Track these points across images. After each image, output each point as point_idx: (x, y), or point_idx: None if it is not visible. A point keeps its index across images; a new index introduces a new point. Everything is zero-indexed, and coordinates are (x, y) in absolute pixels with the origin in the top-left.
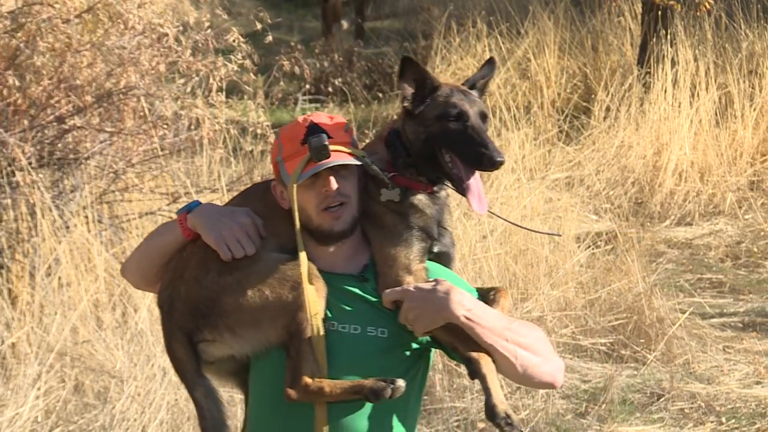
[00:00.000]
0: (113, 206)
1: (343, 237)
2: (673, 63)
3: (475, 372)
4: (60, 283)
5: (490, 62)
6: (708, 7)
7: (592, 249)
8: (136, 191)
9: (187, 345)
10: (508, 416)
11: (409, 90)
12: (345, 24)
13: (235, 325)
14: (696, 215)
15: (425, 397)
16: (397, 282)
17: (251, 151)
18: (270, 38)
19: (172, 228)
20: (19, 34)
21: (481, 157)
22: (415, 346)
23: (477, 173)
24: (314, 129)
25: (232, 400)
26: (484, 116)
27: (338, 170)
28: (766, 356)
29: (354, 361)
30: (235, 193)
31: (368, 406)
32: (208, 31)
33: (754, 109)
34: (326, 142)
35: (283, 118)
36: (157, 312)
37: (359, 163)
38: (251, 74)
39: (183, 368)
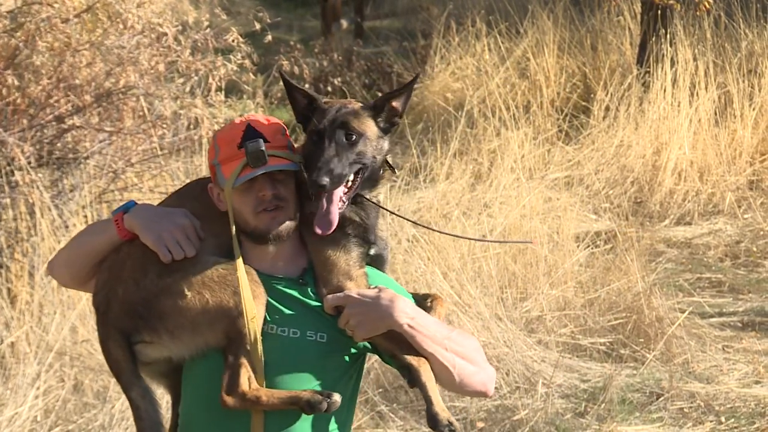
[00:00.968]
0: (112, 206)
1: (279, 238)
2: (673, 62)
3: (414, 380)
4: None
5: (410, 81)
6: (707, 6)
7: (592, 248)
8: (136, 191)
9: (123, 346)
10: (450, 423)
11: (296, 106)
12: (344, 23)
13: (174, 328)
14: (695, 215)
15: None
16: (338, 288)
17: None
18: (269, 38)
19: (106, 228)
20: (19, 34)
21: (309, 177)
22: (353, 351)
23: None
24: (251, 133)
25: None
26: (347, 134)
27: (275, 174)
28: (765, 356)
29: (292, 365)
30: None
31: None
32: (208, 30)
33: (754, 109)
34: (263, 148)
35: (282, 117)
36: None
37: (295, 168)
38: (250, 74)
39: (119, 369)
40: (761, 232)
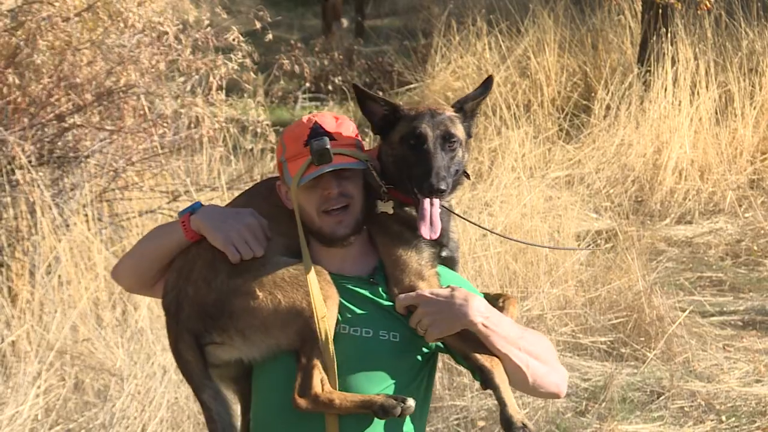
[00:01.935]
0: (113, 204)
1: (346, 240)
2: (674, 61)
3: (488, 381)
4: (60, 282)
5: (487, 82)
6: (708, 5)
7: (592, 247)
8: (136, 189)
9: (194, 347)
10: (524, 426)
11: (372, 116)
12: (345, 22)
13: (245, 329)
14: (696, 213)
15: None
16: (410, 287)
17: (251, 150)
18: (270, 37)
19: (173, 230)
20: (19, 33)
21: (423, 183)
22: (425, 351)
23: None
24: (317, 131)
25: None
26: (447, 139)
27: (341, 172)
28: (766, 354)
29: (365, 365)
30: (237, 192)
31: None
32: (208, 29)
33: (754, 108)
34: (328, 146)
35: (282, 116)
36: (157, 310)
37: (361, 167)
38: (251, 73)
39: (190, 370)
40: (762, 231)
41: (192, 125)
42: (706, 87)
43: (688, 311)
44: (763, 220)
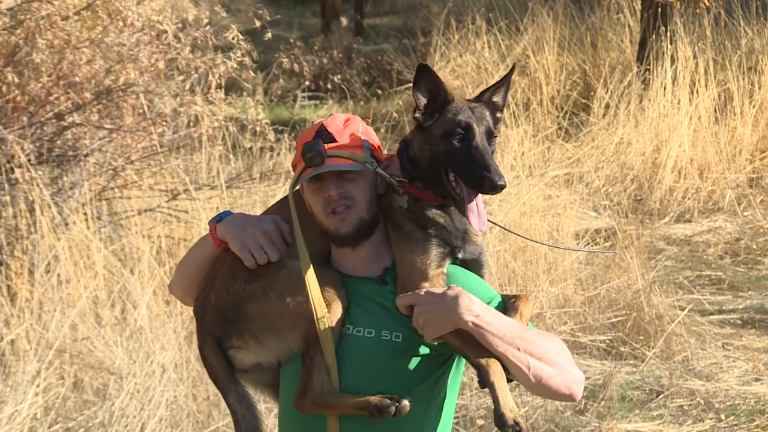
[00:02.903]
0: (112, 203)
1: (351, 239)
2: (673, 60)
3: (483, 379)
4: (59, 280)
5: (509, 73)
6: (707, 4)
7: (592, 246)
8: (136, 188)
9: (218, 351)
10: (516, 424)
11: (423, 100)
12: (344, 21)
13: (258, 332)
14: (695, 212)
15: None
16: (413, 287)
17: (250, 148)
18: (269, 35)
19: (207, 240)
20: (18, 31)
21: (483, 179)
22: (433, 353)
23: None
24: (322, 134)
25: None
26: (490, 134)
27: (343, 174)
28: (765, 353)
29: (367, 365)
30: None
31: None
32: (207, 28)
33: (754, 106)
34: (318, 148)
35: (282, 115)
36: (156, 309)
37: (356, 168)
38: (250, 71)
39: (216, 374)
40: (761, 230)
41: (191, 124)
42: (706, 85)
43: (687, 310)
44: (762, 218)
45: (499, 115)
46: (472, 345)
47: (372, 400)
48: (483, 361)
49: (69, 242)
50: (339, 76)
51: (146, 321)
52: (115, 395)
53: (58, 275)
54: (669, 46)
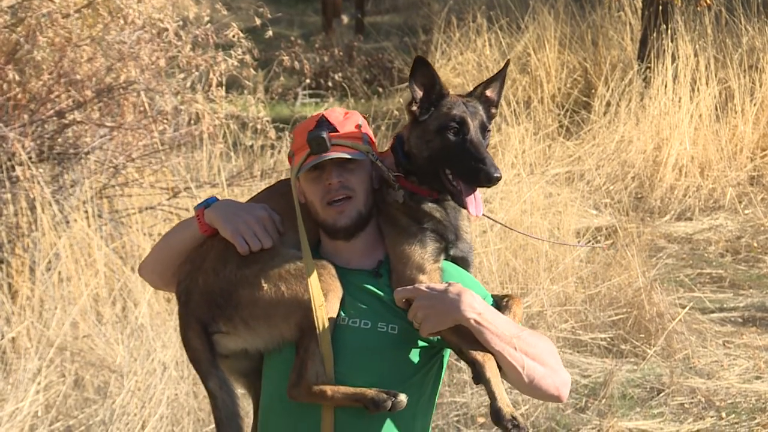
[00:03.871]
0: (113, 201)
1: (348, 232)
2: (674, 58)
3: (479, 375)
4: (60, 278)
5: (503, 68)
6: (708, 2)
7: (592, 244)
8: (136, 186)
9: (202, 335)
10: (514, 418)
11: (419, 93)
12: (345, 19)
13: (249, 318)
14: (696, 210)
15: None
16: (411, 281)
17: (251, 146)
18: (270, 33)
19: (189, 224)
20: (19, 29)
21: (479, 172)
22: (426, 345)
23: None
24: (321, 123)
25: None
26: (484, 129)
27: (344, 164)
28: (766, 351)
29: (363, 356)
30: (237, 188)
31: None
32: (208, 26)
33: (755, 104)
34: (324, 135)
35: (282, 112)
36: (157, 307)
37: (360, 158)
38: (251, 69)
39: (198, 358)
40: (762, 228)
41: (192, 122)
42: (706, 83)
43: (688, 308)
44: (763, 216)
45: (493, 110)
46: (468, 341)
47: (368, 393)
48: (479, 357)
49: (70, 240)
50: (340, 74)
51: (147, 319)
52: (116, 393)
53: (59, 273)
54: (670, 44)
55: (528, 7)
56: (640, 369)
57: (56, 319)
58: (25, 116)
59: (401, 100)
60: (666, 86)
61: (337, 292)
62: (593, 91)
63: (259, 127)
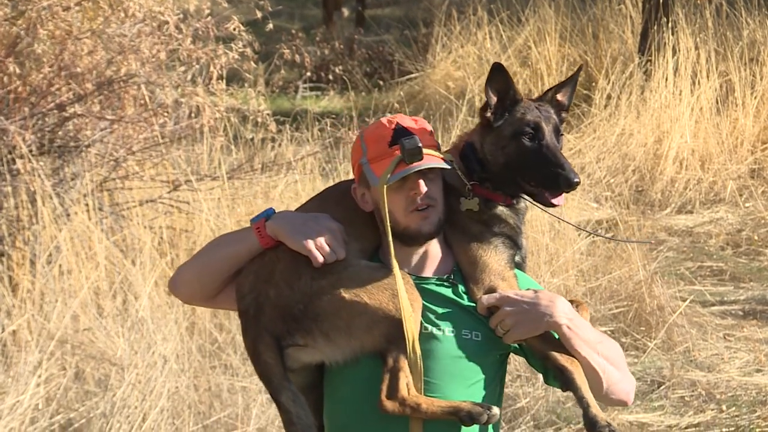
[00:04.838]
0: (114, 194)
1: (430, 238)
2: (674, 51)
3: (569, 382)
4: (61, 271)
5: (575, 73)
6: None
7: (595, 232)
8: (137, 179)
9: (275, 349)
10: (609, 424)
11: (494, 99)
12: (345, 11)
13: (329, 330)
14: (697, 203)
15: None
16: (491, 288)
17: (252, 139)
18: (270, 26)
19: (244, 237)
20: (20, 22)
21: (558, 177)
22: (502, 351)
23: None
24: (402, 131)
25: None
26: (558, 133)
27: (426, 173)
28: (766, 344)
29: (449, 364)
30: (237, 181)
31: None
32: (209, 18)
33: (755, 97)
34: (420, 144)
35: (283, 105)
36: (157, 300)
37: (449, 167)
38: (252, 62)
39: (270, 372)
40: (762, 221)
41: (192, 115)
42: (707, 77)
43: (688, 301)
44: (764, 209)
45: (563, 114)
46: (553, 346)
47: (464, 406)
48: (567, 364)
49: (70, 233)
50: (340, 67)
51: (148, 312)
52: (117, 386)
53: (60, 266)
54: (671, 37)
55: (529, 0)
56: (640, 362)
57: (57, 312)
58: (26, 109)
59: (401, 93)
60: (667, 79)
61: (419, 302)
62: (594, 84)
63: (259, 120)
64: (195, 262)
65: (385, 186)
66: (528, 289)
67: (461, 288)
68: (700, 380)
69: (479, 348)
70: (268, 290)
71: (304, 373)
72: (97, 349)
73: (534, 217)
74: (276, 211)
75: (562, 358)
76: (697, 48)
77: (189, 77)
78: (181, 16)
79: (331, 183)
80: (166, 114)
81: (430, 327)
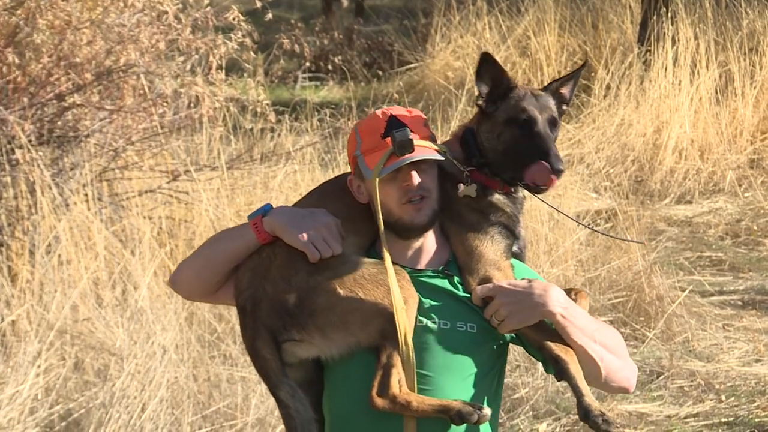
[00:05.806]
0: (113, 184)
1: (424, 230)
2: (674, 41)
3: (564, 372)
4: (60, 261)
5: (579, 68)
6: None
7: (592, 227)
8: (136, 169)
9: (272, 344)
10: (603, 414)
11: (484, 88)
12: (345, 2)
13: (325, 326)
14: (696, 193)
15: None
16: (486, 278)
17: (251, 129)
18: (270, 16)
19: (242, 233)
20: (19, 12)
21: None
22: (500, 342)
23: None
24: (395, 123)
25: None
26: (553, 123)
27: (419, 164)
28: (765, 334)
29: (443, 357)
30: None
31: None
32: (208, 8)
33: (755, 87)
34: (410, 136)
35: (282, 96)
36: (157, 290)
37: (442, 158)
38: (251, 52)
39: (267, 367)
40: (762, 211)
41: (192, 105)
42: (707, 66)
43: (687, 291)
44: (763, 199)
45: (564, 107)
46: (548, 336)
47: (454, 405)
48: (562, 353)
49: (70, 223)
50: (340, 57)
51: (147, 302)
52: (116, 376)
53: (59, 256)
54: (670, 27)
55: None
56: (639, 352)
57: (56, 302)
58: (25, 99)
59: (401, 83)
60: (666, 69)
61: (415, 297)
62: (593, 74)
63: (258, 110)
64: (194, 259)
65: (377, 177)
66: (522, 279)
67: (456, 279)
68: (699, 370)
69: (474, 340)
70: (265, 286)
71: (302, 368)
72: (97, 339)
73: (533, 207)
74: (274, 206)
75: (557, 348)
76: (696, 38)
77: (188, 67)
78: (180, 6)
79: (330, 173)
80: (165, 104)
81: (424, 320)
